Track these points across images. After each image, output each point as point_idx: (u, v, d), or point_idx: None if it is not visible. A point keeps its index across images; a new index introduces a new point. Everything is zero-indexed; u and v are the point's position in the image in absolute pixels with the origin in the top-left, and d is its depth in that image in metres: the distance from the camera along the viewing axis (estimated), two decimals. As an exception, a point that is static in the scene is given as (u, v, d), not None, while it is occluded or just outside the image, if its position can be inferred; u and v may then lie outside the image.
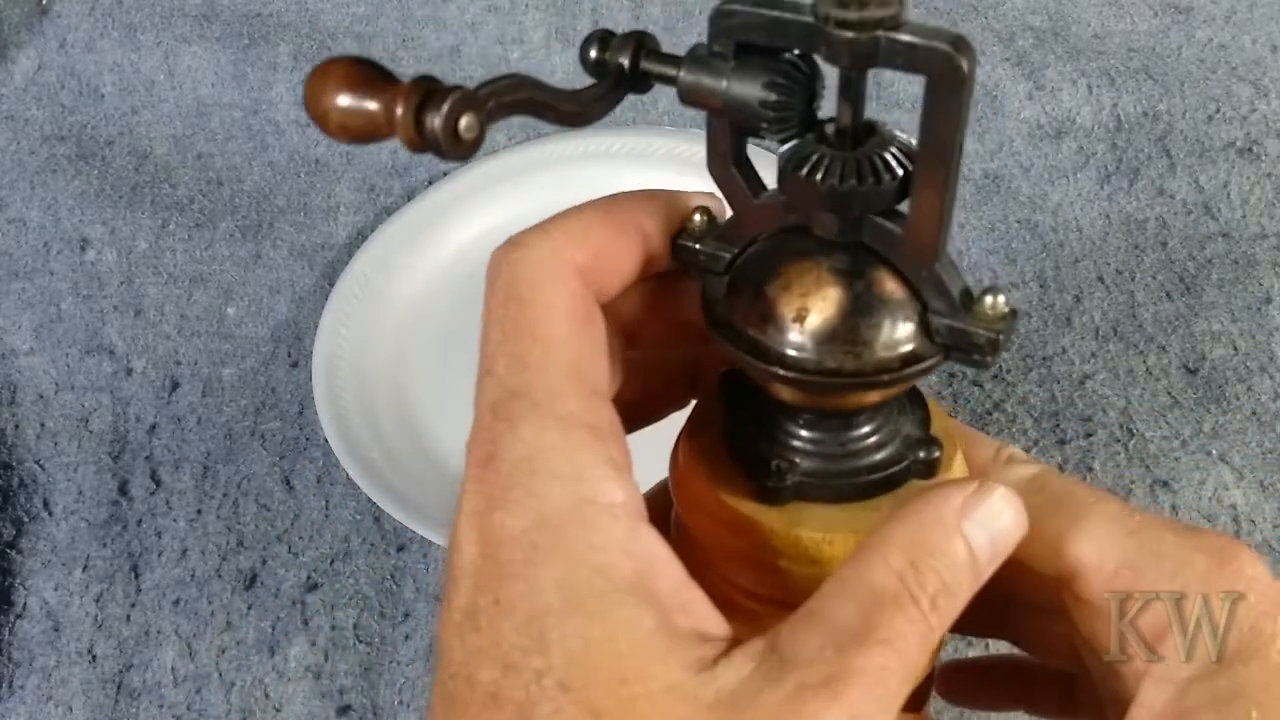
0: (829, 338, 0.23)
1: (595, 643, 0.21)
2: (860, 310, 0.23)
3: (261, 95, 0.72)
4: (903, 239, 0.23)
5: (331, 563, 0.53)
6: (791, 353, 0.24)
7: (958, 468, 0.27)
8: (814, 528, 0.25)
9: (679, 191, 0.26)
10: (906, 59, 0.21)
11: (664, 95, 0.70)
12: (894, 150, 0.23)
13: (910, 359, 0.24)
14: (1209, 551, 0.24)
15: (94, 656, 0.51)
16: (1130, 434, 0.54)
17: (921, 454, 0.26)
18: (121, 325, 0.62)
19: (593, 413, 0.23)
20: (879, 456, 0.26)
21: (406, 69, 0.73)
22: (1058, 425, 0.54)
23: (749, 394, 0.27)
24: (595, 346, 0.24)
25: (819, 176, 0.22)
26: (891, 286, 0.24)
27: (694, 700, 0.21)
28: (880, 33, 0.20)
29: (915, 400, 0.28)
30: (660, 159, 0.65)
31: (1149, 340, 0.57)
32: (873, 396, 0.25)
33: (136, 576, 0.53)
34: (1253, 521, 0.51)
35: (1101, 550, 0.24)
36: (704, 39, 0.24)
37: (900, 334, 0.24)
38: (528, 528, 0.22)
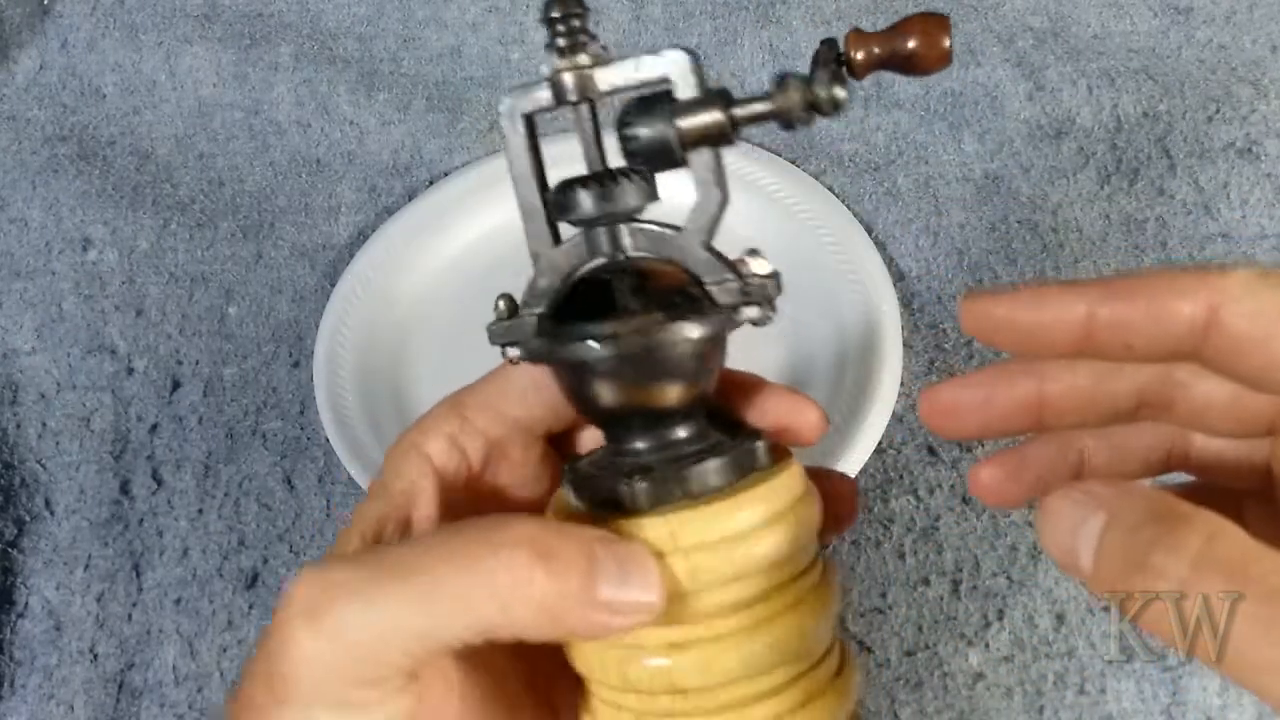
0: (618, 331, 0.27)
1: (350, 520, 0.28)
2: (641, 303, 0.27)
3: (263, 95, 0.72)
4: (684, 228, 0.27)
5: (333, 562, 0.53)
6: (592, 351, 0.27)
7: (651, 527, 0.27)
8: (554, 509, 0.28)
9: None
10: (631, 73, 0.27)
11: (665, 95, 0.70)
12: (631, 170, 0.27)
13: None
14: None
15: (95, 655, 0.51)
16: (1130, 434, 0.54)
17: (623, 484, 0.27)
18: (123, 325, 0.62)
19: None
20: (607, 473, 0.28)
21: (408, 69, 0.73)
22: (1058, 425, 0.55)
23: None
24: None
25: (577, 198, 0.27)
26: (669, 277, 0.28)
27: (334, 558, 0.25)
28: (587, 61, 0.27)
29: (718, 465, 0.28)
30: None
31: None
32: (668, 391, 0.27)
33: (138, 576, 0.53)
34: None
35: None
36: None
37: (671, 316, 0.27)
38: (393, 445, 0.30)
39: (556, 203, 0.28)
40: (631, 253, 0.28)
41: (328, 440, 0.55)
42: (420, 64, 0.74)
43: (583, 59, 0.27)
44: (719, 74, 0.69)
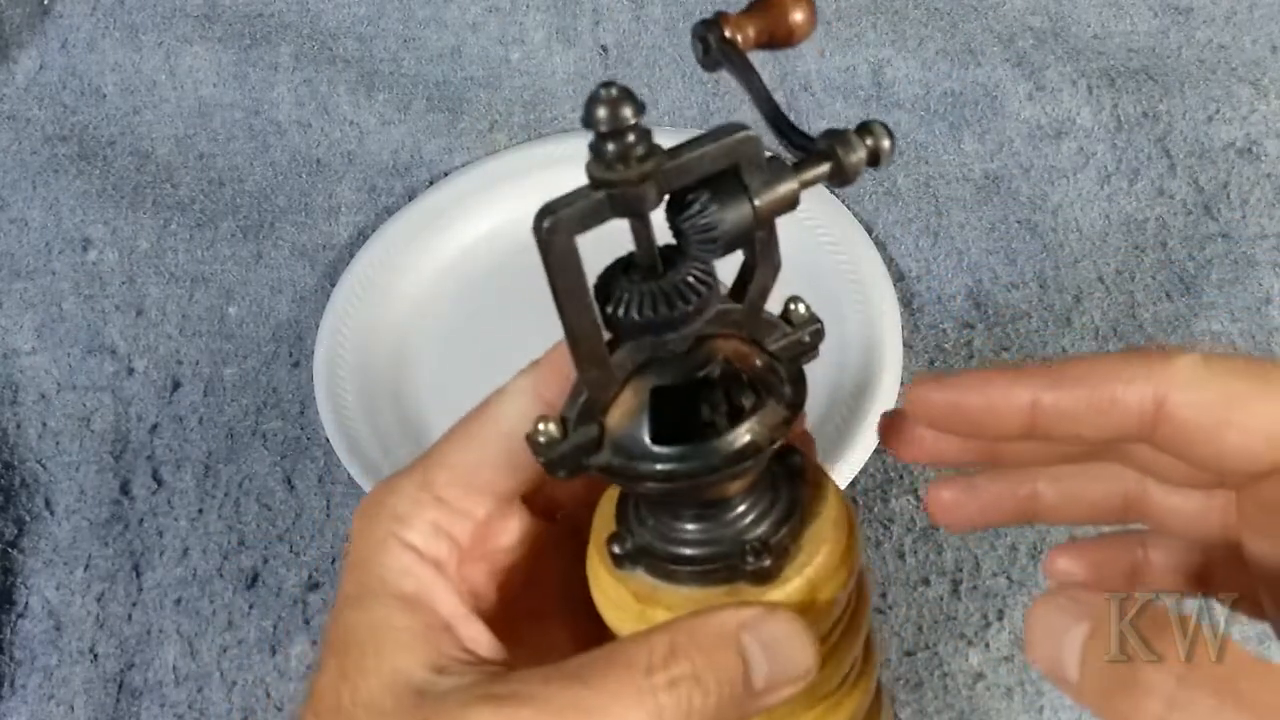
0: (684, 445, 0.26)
1: (353, 627, 0.27)
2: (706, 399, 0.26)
3: (263, 95, 0.72)
4: (742, 306, 0.26)
5: (333, 562, 0.53)
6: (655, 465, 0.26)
7: (804, 578, 0.27)
8: (648, 601, 0.28)
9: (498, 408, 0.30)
10: (699, 168, 0.23)
11: (664, 96, 0.70)
12: (695, 277, 0.25)
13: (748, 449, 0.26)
14: None
15: (95, 655, 0.51)
16: (1130, 434, 0.54)
17: (750, 562, 0.27)
18: (123, 325, 0.62)
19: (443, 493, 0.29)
20: (712, 551, 0.28)
21: (408, 69, 0.73)
22: (1058, 425, 0.55)
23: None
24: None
25: (626, 312, 0.24)
26: (743, 364, 0.27)
27: (405, 685, 0.26)
28: (648, 177, 0.23)
29: (788, 500, 0.29)
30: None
31: (1149, 340, 0.57)
32: (726, 485, 0.27)
33: (138, 576, 0.53)
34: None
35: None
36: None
37: (744, 410, 0.26)
38: (360, 531, 0.29)
39: (617, 326, 0.25)
40: (689, 339, 0.26)
41: (328, 440, 0.55)
42: (420, 64, 0.74)
43: (640, 168, 0.22)
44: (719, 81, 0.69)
